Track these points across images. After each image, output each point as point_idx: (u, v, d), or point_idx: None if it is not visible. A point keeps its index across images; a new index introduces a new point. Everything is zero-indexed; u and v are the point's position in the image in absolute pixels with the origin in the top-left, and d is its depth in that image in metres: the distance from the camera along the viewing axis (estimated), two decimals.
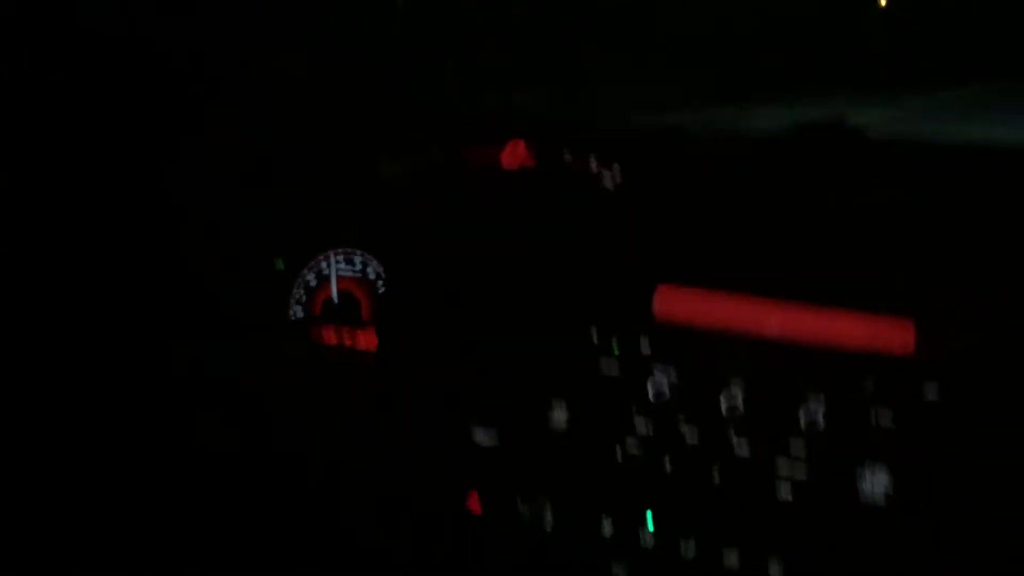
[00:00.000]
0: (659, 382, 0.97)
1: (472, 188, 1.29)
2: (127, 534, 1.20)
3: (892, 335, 0.92)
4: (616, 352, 1.00)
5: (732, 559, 0.89)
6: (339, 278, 1.25)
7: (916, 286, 0.95)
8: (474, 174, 1.31)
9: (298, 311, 1.26)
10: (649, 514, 0.92)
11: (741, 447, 0.92)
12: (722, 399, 0.94)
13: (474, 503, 0.99)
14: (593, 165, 1.25)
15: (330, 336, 1.24)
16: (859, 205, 1.06)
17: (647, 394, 0.97)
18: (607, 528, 0.94)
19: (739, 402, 0.94)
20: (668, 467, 0.93)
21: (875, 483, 0.85)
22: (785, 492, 0.88)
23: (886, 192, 1.08)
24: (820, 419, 0.90)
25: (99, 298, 1.29)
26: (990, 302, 0.92)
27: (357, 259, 1.24)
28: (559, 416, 0.99)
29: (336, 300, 1.24)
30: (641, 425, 0.96)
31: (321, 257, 1.26)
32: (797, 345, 0.96)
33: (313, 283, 1.26)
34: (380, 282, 1.21)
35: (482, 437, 1.01)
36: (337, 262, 1.25)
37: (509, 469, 0.99)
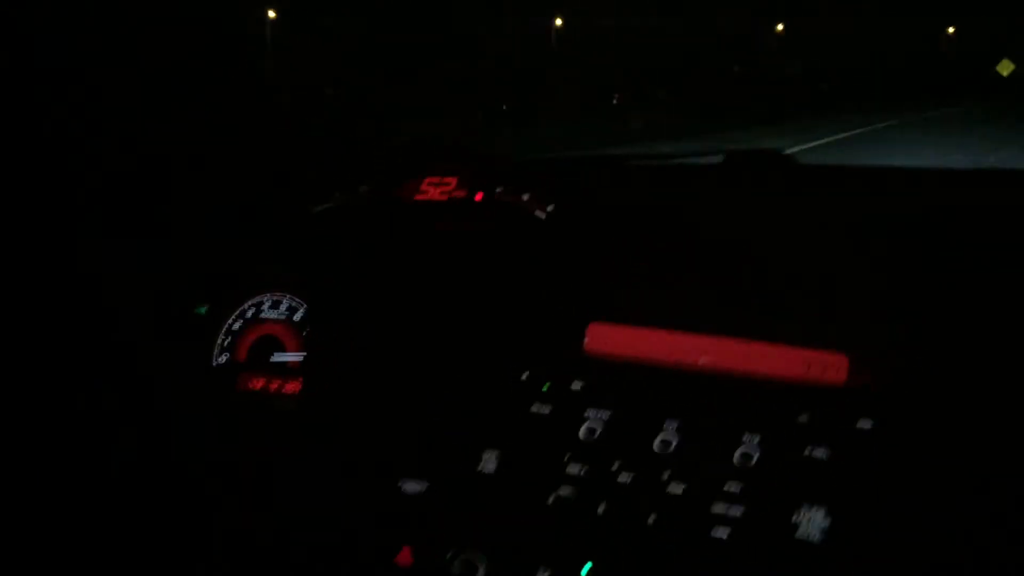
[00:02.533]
0: (591, 421, 0.94)
1: (401, 222, 1.26)
2: None
3: (825, 367, 0.91)
4: (546, 391, 0.97)
5: None
6: (267, 322, 1.20)
7: (848, 318, 0.94)
8: (404, 208, 1.28)
9: (222, 357, 1.21)
10: (587, 567, 0.88)
11: (675, 486, 0.89)
12: (656, 437, 0.91)
13: (403, 557, 0.95)
14: (526, 197, 1.22)
15: (256, 382, 1.19)
16: (789, 236, 1.05)
17: (579, 434, 0.94)
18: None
19: (673, 439, 0.91)
20: (601, 509, 0.90)
21: (811, 520, 0.83)
22: (721, 532, 0.85)
23: (816, 219, 1.07)
24: (755, 455, 0.88)
25: (16, 343, 1.23)
26: (923, 332, 0.91)
27: (284, 303, 1.20)
28: (489, 461, 0.95)
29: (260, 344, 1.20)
30: (573, 467, 0.92)
31: (248, 302, 1.21)
32: (731, 379, 0.94)
33: (237, 327, 1.22)
34: (306, 326, 1.17)
35: (411, 486, 0.97)
36: (264, 306, 1.20)
37: (439, 519, 0.95)
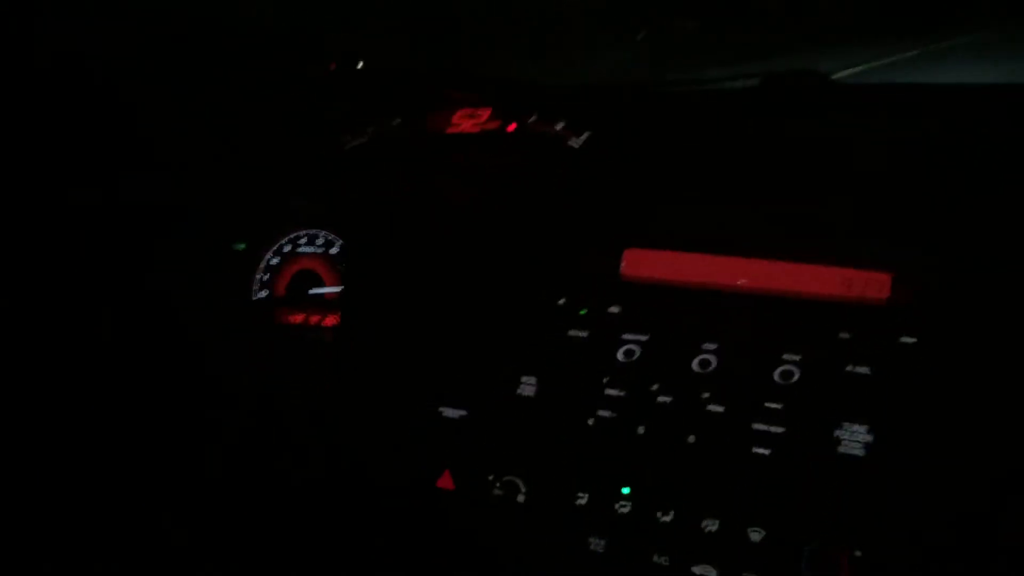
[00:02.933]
0: (629, 344, 0.94)
1: (435, 155, 1.25)
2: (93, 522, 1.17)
3: (867, 285, 0.89)
4: (584, 315, 0.97)
5: (711, 523, 0.86)
6: (303, 257, 1.21)
7: (889, 236, 0.92)
8: (437, 141, 1.27)
9: (261, 292, 1.23)
10: (626, 490, 0.89)
11: (715, 405, 0.88)
12: (694, 358, 0.91)
13: (445, 481, 0.96)
14: (559, 127, 1.21)
15: (295, 316, 1.20)
16: (827, 156, 1.03)
17: (617, 357, 0.93)
18: (582, 499, 0.91)
19: (712, 359, 0.91)
20: (641, 430, 0.90)
21: (853, 435, 0.82)
22: (762, 449, 0.85)
23: (854, 140, 1.05)
24: (796, 373, 0.87)
25: (63, 288, 1.25)
26: (964, 250, 0.88)
27: (320, 238, 1.20)
28: (528, 385, 0.95)
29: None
30: (612, 390, 0.92)
31: (283, 238, 1.22)
32: (770, 300, 0.93)
33: (275, 263, 1.23)
34: (343, 260, 1.17)
35: (451, 412, 0.98)
36: (300, 241, 1.21)
37: (479, 444, 0.96)
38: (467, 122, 1.29)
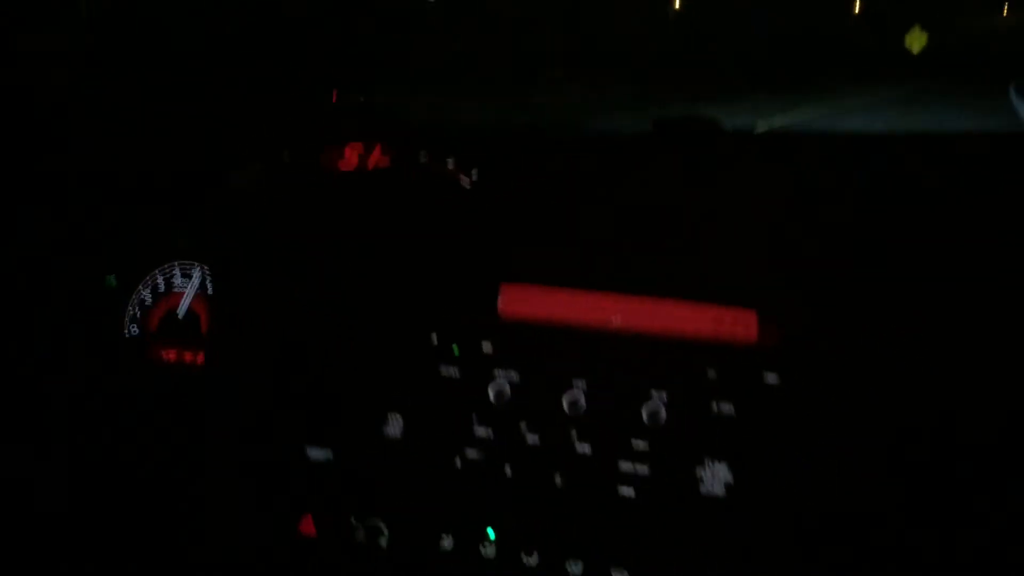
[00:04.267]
0: (500, 383, 0.92)
1: (320, 191, 1.22)
2: None
3: (735, 323, 0.90)
4: (456, 355, 0.94)
5: (575, 565, 0.84)
6: (176, 292, 1.16)
7: (758, 278, 0.93)
8: (325, 177, 1.25)
9: (133, 328, 1.17)
10: (490, 530, 0.86)
11: (583, 446, 0.87)
12: (564, 398, 0.89)
13: (306, 525, 0.92)
14: (448, 166, 1.20)
15: (168, 352, 1.15)
16: (702, 200, 1.04)
17: (488, 396, 0.91)
18: (447, 542, 0.88)
19: (581, 399, 0.89)
20: (508, 471, 0.88)
21: (715, 474, 0.81)
22: (627, 490, 0.83)
23: (735, 185, 1.06)
24: (662, 412, 0.86)
25: None
26: (829, 293, 0.90)
27: (194, 272, 1.16)
28: (395, 425, 0.92)
29: (181, 316, 1.16)
30: (481, 429, 0.90)
31: (157, 272, 1.18)
32: (641, 340, 0.92)
33: (148, 301, 1.18)
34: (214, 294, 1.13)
35: (315, 452, 0.94)
36: (173, 277, 1.17)
37: (343, 486, 0.92)
38: (355, 157, 1.27)
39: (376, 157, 1.27)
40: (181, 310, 1.17)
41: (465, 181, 1.18)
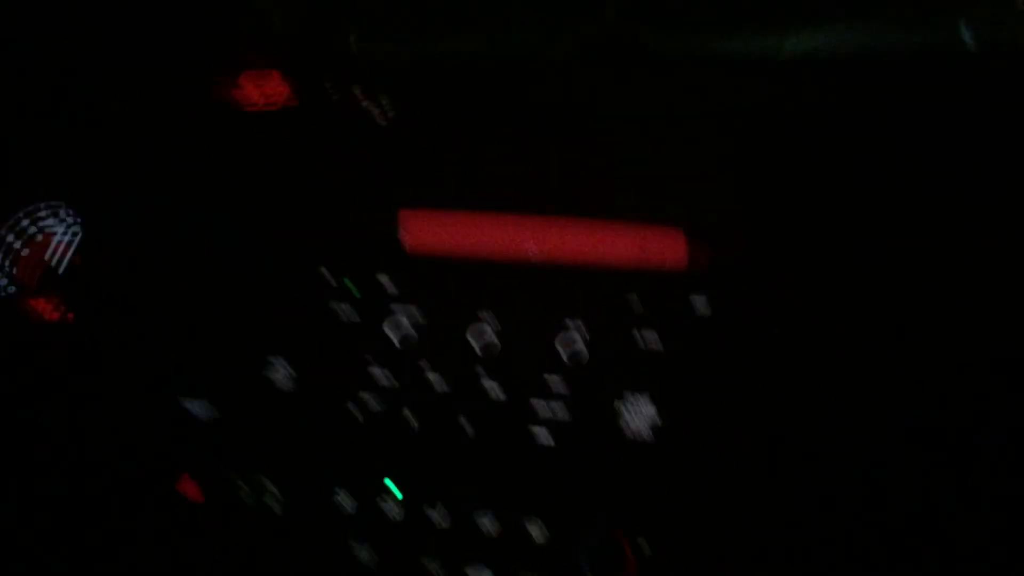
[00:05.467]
0: (402, 321, 0.81)
1: (209, 125, 1.10)
2: None
3: (662, 247, 0.80)
4: (351, 291, 0.84)
5: (488, 523, 0.75)
6: (46, 236, 1.04)
7: (686, 198, 0.83)
8: (215, 110, 1.12)
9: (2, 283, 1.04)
10: (389, 482, 0.76)
11: (495, 389, 0.77)
12: (474, 336, 0.80)
13: (186, 485, 0.81)
14: (350, 94, 1.08)
15: (39, 303, 1.03)
16: (625, 116, 0.94)
17: (387, 335, 0.81)
18: (345, 502, 0.78)
19: (492, 336, 0.79)
20: (414, 423, 0.78)
21: (638, 413, 0.73)
22: (542, 432, 0.74)
23: (652, 102, 0.97)
24: (580, 347, 0.77)
25: None
26: (760, 215, 0.81)
27: (62, 213, 1.03)
28: (281, 372, 0.82)
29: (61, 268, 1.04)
30: (380, 373, 0.80)
31: (21, 213, 1.04)
32: (559, 268, 0.82)
33: (18, 246, 1.05)
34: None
35: (194, 407, 0.83)
36: (41, 215, 1.04)
37: (224, 440, 0.81)
38: (254, 90, 1.15)
39: (273, 86, 1.15)
40: (57, 260, 1.04)
41: (375, 112, 1.07)
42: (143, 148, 1.03)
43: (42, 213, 1.04)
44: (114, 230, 0.99)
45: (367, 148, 1.00)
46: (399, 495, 0.77)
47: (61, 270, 1.04)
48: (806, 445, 0.70)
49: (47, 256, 1.04)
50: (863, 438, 0.70)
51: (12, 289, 1.05)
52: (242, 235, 0.91)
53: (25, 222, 1.04)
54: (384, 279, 0.84)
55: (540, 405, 0.76)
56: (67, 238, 1.04)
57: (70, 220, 1.04)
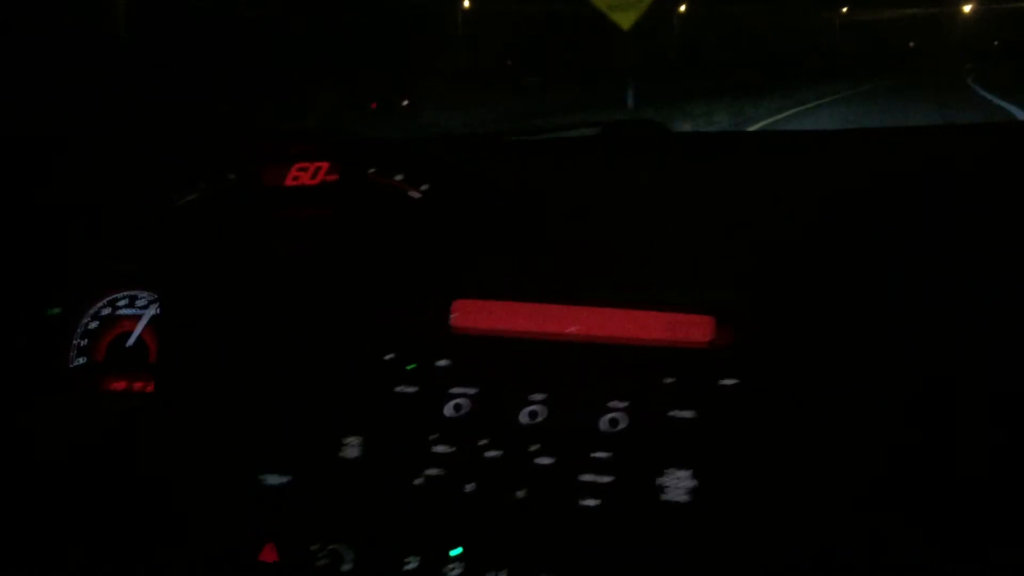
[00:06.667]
0: (457, 398, 0.90)
1: (268, 210, 1.20)
2: None
3: (690, 328, 0.89)
4: (411, 370, 0.93)
5: None
6: (123, 320, 1.13)
7: (712, 283, 0.92)
8: (272, 194, 1.22)
9: (79, 359, 1.14)
10: (456, 551, 0.85)
11: (544, 458, 0.86)
12: (523, 410, 0.89)
13: (267, 553, 0.90)
14: (397, 179, 1.18)
15: (117, 383, 1.12)
16: (656, 205, 1.04)
17: (444, 412, 0.90)
18: (411, 564, 0.87)
19: (540, 411, 0.88)
20: (470, 488, 0.86)
21: (678, 481, 0.81)
22: (590, 501, 0.83)
23: (686, 188, 1.06)
24: (622, 421, 0.85)
25: None
26: (784, 294, 0.90)
27: (140, 299, 1.13)
28: (352, 446, 0.91)
29: (131, 343, 1.13)
30: (440, 446, 0.89)
31: (103, 301, 1.14)
32: (597, 348, 0.91)
33: (93, 327, 1.15)
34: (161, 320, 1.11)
35: (273, 478, 0.92)
36: (121, 304, 1.14)
37: (302, 511, 0.90)
38: (304, 175, 1.25)
39: (323, 174, 1.24)
40: (132, 338, 1.14)
41: (413, 194, 1.16)
42: (217, 237, 1.13)
43: (121, 300, 1.14)
44: (190, 311, 1.08)
45: (418, 233, 1.09)
46: (459, 555, 0.86)
47: (130, 345, 1.14)
48: (834, 508, 0.78)
49: (118, 334, 1.14)
50: (892, 502, 0.78)
51: (83, 361, 1.14)
52: (312, 315, 1.01)
53: (106, 310, 1.14)
54: (443, 362, 0.93)
55: (586, 475, 0.84)
56: (144, 319, 1.13)
57: (144, 302, 1.14)
